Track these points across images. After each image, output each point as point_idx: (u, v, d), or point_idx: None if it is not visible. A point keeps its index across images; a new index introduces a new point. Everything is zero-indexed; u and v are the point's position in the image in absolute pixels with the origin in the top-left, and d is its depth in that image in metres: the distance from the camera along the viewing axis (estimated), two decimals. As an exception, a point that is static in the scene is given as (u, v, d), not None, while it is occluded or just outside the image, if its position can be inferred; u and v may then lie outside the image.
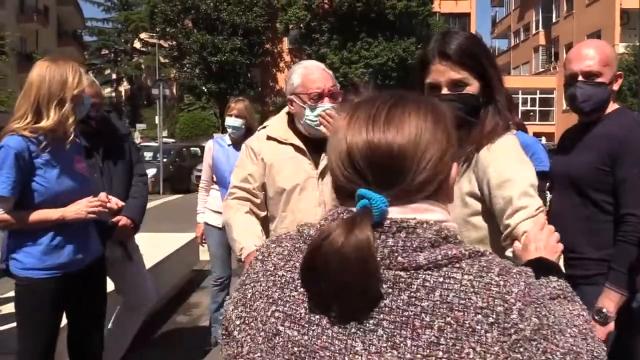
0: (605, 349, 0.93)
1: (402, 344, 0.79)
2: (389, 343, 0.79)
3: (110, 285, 2.96)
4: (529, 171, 1.63)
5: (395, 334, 0.80)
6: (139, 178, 3.32)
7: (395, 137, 0.85)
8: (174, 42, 34.02)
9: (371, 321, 0.81)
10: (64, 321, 2.62)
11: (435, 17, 35.33)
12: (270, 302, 0.90)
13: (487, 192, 1.62)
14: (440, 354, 0.77)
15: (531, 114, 36.92)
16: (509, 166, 1.61)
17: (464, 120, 1.63)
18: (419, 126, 0.86)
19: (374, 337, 0.81)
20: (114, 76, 56.13)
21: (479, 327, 0.78)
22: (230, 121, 3.99)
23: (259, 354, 0.89)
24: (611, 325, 2.11)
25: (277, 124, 2.34)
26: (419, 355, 0.78)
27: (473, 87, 1.68)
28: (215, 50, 32.10)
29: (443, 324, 0.78)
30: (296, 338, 0.85)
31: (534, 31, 42.78)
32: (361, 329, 0.82)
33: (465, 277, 0.81)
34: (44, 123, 2.31)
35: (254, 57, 33.48)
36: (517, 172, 1.61)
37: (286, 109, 2.33)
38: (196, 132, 31.93)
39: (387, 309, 0.81)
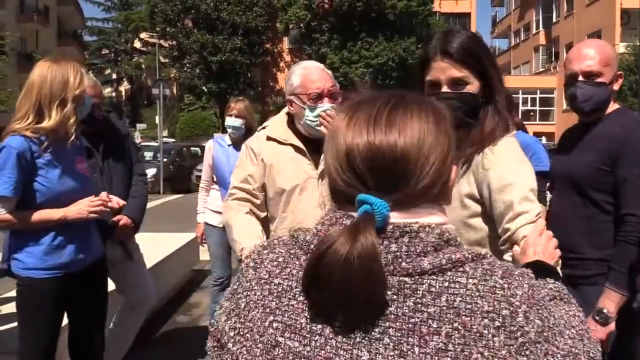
0: (600, 349, 0.93)
1: (409, 352, 0.77)
2: (396, 351, 0.77)
3: (111, 285, 2.96)
4: (529, 175, 1.63)
5: (402, 341, 0.77)
6: (139, 177, 3.32)
7: (397, 139, 0.82)
8: (174, 42, 34.03)
9: (377, 329, 0.79)
10: (65, 321, 2.62)
11: (436, 16, 35.35)
12: (267, 312, 0.85)
13: (487, 195, 1.62)
14: None
15: (531, 113, 36.90)
16: (509, 170, 1.61)
17: (462, 120, 1.62)
18: (422, 128, 0.83)
19: (380, 345, 0.78)
20: (114, 76, 56.14)
21: (486, 332, 0.76)
22: (230, 121, 3.99)
23: None
24: (612, 326, 2.11)
25: (277, 124, 2.34)
26: None
27: (473, 86, 1.67)
28: (216, 50, 32.09)
29: (450, 329, 0.76)
30: (298, 349, 0.81)
31: (534, 31, 42.74)
32: (367, 338, 0.79)
33: (470, 281, 0.79)
34: (46, 123, 2.31)
35: (254, 56, 33.48)
36: (518, 176, 1.61)
37: (286, 109, 2.33)
38: (196, 132, 31.90)
39: (392, 316, 0.79)
